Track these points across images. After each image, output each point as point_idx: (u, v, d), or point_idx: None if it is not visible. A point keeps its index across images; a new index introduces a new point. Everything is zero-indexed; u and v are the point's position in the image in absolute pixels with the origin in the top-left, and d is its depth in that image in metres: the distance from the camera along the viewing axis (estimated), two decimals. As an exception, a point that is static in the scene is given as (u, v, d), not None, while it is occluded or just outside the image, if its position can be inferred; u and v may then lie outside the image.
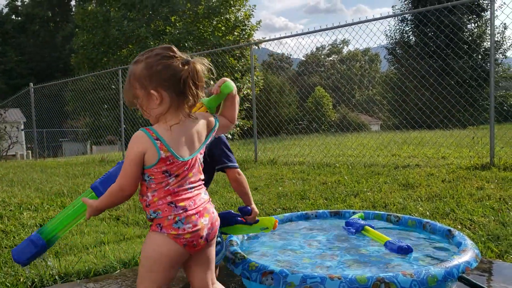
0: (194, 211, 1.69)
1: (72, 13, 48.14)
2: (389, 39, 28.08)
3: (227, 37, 26.73)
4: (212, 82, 1.84)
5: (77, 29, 30.48)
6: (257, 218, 2.42)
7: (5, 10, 54.78)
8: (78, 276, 2.83)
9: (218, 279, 1.98)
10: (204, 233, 1.71)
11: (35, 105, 15.06)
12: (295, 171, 6.92)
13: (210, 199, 1.83)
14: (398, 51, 27.50)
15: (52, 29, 52.85)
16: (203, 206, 1.74)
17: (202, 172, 1.80)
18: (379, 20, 7.67)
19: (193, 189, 1.73)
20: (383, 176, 5.89)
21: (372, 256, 2.47)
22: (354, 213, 3.33)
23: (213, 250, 1.84)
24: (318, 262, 2.42)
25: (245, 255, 2.32)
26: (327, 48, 59.52)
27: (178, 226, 1.66)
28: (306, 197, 5.02)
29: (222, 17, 26.80)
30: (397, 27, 28.19)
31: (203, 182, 1.82)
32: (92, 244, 3.56)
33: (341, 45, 58.41)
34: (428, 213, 4.01)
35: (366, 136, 12.49)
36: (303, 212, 3.45)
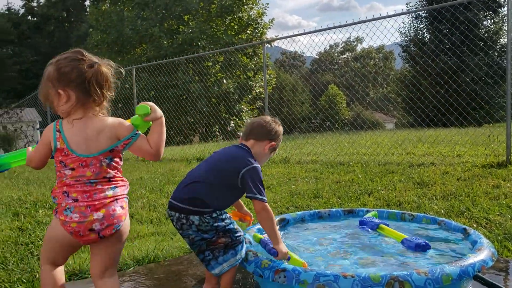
0: (85, 203, 1.80)
1: (86, 13, 48.63)
2: (403, 36, 27.85)
3: (239, 36, 26.78)
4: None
5: (91, 29, 30.80)
6: (288, 255, 2.26)
7: (22, 11, 55.58)
8: (92, 273, 2.86)
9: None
10: (95, 226, 1.80)
11: (51, 104, 15.19)
12: (308, 170, 6.90)
13: (119, 198, 1.88)
14: (412, 48, 27.26)
15: (67, 29, 53.45)
16: (100, 202, 1.81)
17: (109, 171, 1.88)
18: (393, 17, 7.59)
19: (93, 184, 1.83)
20: (398, 174, 5.84)
21: (386, 254, 2.45)
22: (368, 211, 3.30)
23: (110, 246, 1.90)
24: (331, 260, 2.41)
25: (258, 253, 2.32)
26: (340, 46, 59.27)
27: (67, 214, 1.80)
28: (319, 196, 5.00)
29: (235, 16, 26.84)
30: (411, 25, 27.93)
31: (114, 179, 1.89)
32: (106, 241, 3.59)
33: (355, 43, 58.13)
34: (443, 211, 3.97)
35: (381, 134, 12.41)
36: (316, 210, 3.43)
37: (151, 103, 1.94)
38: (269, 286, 2.24)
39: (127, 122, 1.95)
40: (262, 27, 27.82)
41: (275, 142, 2.51)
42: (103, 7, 28.82)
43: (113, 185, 1.88)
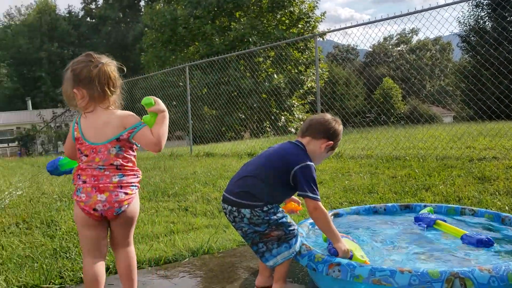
0: (90, 185, 2.03)
1: (141, 13, 50.06)
2: (463, 26, 26.62)
3: (291, 30, 26.61)
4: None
5: (146, 29, 31.67)
6: (351, 253, 2.20)
7: (81, 13, 58.17)
8: (149, 263, 2.95)
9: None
10: (98, 207, 2.02)
11: (109, 102, 15.76)
12: (362, 165, 6.76)
13: (124, 185, 2.05)
14: (472, 38, 26.01)
15: (123, 29, 55.28)
16: (105, 185, 2.03)
17: (117, 159, 2.07)
18: (452, 6, 7.24)
19: (101, 170, 2.05)
20: (457, 169, 5.60)
21: (444, 250, 2.36)
22: (425, 206, 3.19)
23: (121, 228, 2.12)
24: (386, 255, 2.35)
25: (311, 247, 2.30)
26: (395, 38, 57.54)
27: (77, 194, 2.06)
28: (374, 191, 4.89)
29: (286, 10, 26.68)
30: (471, 13, 26.65)
31: (122, 168, 2.07)
32: (163, 233, 3.69)
33: (410, 35, 56.25)
34: (507, 207, 3.77)
35: (438, 128, 11.94)
36: (371, 205, 3.35)
37: (157, 98, 2.13)
38: (322, 280, 2.22)
39: (136, 115, 2.15)
40: (313, 21, 27.47)
41: (333, 141, 2.42)
42: (157, 7, 29.55)
43: (121, 173, 2.07)
